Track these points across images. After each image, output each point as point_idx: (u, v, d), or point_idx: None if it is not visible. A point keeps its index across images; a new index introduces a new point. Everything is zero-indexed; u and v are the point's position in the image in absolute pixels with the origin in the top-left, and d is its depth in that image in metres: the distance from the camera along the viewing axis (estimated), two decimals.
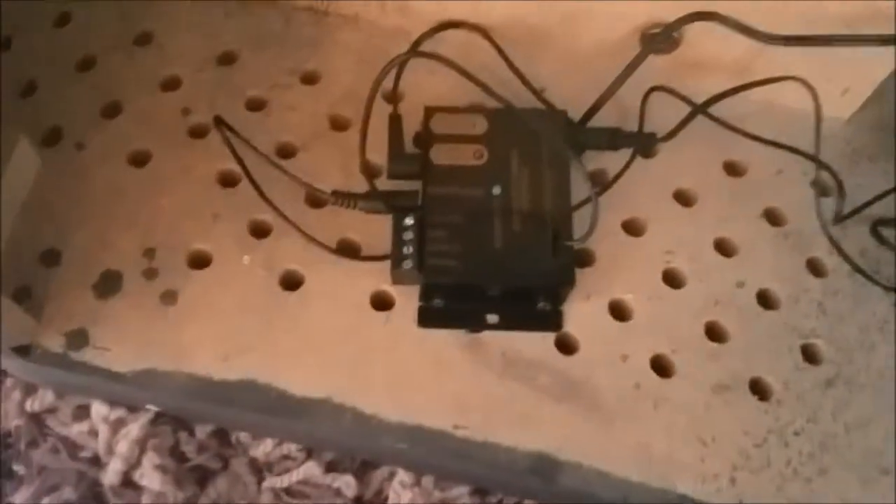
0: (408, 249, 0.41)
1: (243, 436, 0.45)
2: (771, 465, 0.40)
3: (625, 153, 0.46)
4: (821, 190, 0.46)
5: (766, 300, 0.44)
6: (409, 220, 0.42)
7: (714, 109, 0.46)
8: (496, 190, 0.42)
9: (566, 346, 0.42)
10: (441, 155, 0.43)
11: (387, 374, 0.41)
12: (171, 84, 0.48)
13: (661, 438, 0.40)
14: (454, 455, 0.40)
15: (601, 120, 0.46)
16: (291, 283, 0.43)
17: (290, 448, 0.45)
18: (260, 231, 0.44)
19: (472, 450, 0.40)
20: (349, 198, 0.43)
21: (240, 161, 0.43)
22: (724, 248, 0.45)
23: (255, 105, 0.48)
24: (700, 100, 0.46)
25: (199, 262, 0.43)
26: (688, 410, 0.41)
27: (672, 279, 0.44)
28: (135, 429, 0.44)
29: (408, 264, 0.41)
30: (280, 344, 0.41)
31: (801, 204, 0.46)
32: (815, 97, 0.44)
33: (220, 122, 0.43)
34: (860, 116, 0.49)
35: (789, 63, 0.46)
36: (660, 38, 0.44)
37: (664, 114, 0.46)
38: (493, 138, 0.43)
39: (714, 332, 0.43)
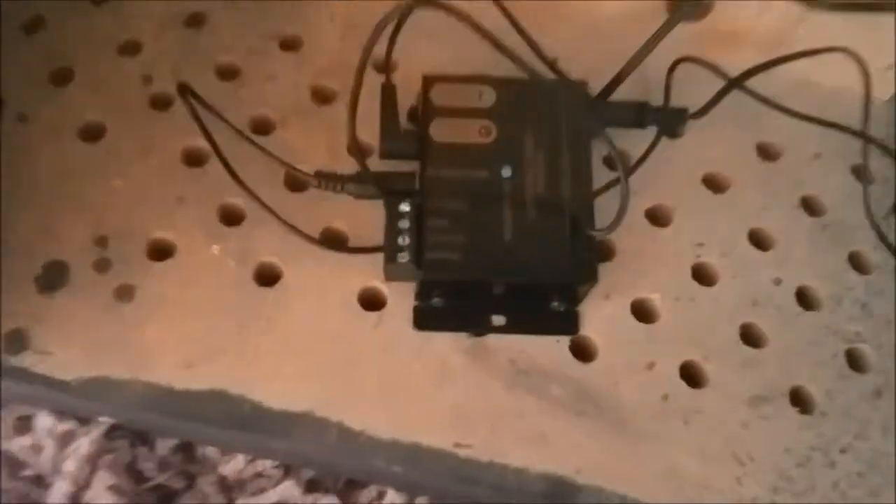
0: (403, 240, 0.36)
1: (211, 451, 0.40)
2: (816, 487, 0.36)
3: (646, 134, 0.41)
4: (866, 177, 0.42)
5: (805, 299, 0.40)
6: (404, 207, 0.36)
7: (747, 87, 0.41)
8: (506, 172, 0.37)
9: (583, 353, 0.38)
10: (442, 131, 0.38)
11: (378, 384, 0.37)
12: (131, 48, 0.43)
13: (693, 458, 0.36)
14: (456, 478, 0.35)
15: (621, 95, 0.41)
16: (268, 277, 0.38)
17: (265, 465, 0.40)
18: (231, 217, 0.39)
19: (476, 472, 0.35)
20: (335, 179, 0.38)
21: (208, 136, 0.38)
22: (759, 240, 0.41)
23: (227, 73, 0.43)
24: (730, 74, 0.41)
25: (160, 252, 0.38)
26: (722, 426, 0.37)
27: (702, 276, 0.40)
28: (85, 443, 0.39)
29: (404, 257, 0.36)
30: (254, 348, 0.37)
31: (841, 191, 0.42)
32: (865, 69, 0.40)
33: (185, 90, 0.37)
34: None
35: (828, 35, 0.41)
36: (691, 5, 0.39)
37: (693, 89, 0.42)
38: (503, 112, 0.38)
39: (750, 336, 0.39)
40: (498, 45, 0.32)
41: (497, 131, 0.38)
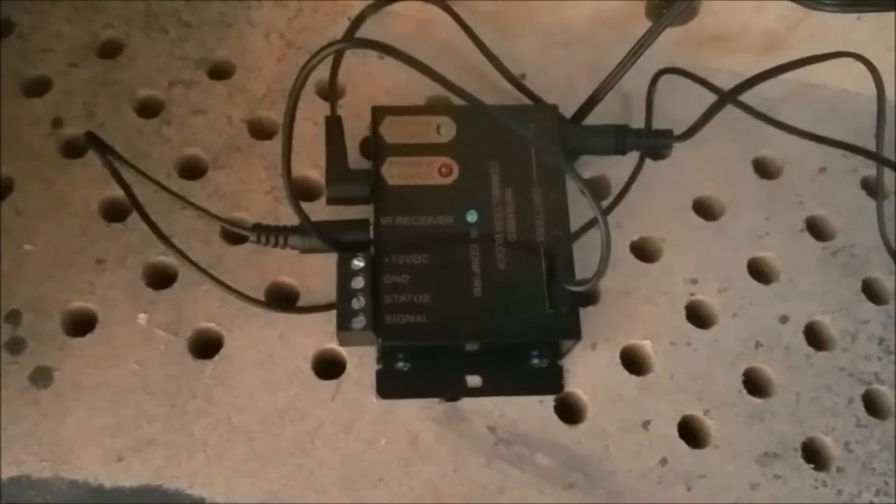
0: (358, 302, 0.31)
1: None
2: None
3: (631, 155, 0.36)
4: (880, 189, 0.38)
5: (816, 338, 0.37)
6: (358, 262, 0.32)
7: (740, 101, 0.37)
8: (471, 216, 0.33)
9: (570, 413, 0.34)
10: (396, 172, 0.33)
11: (339, 467, 0.33)
12: (38, 86, 0.38)
13: None
14: None
15: (597, 111, 0.37)
16: (205, 347, 0.34)
17: None
18: (160, 279, 0.35)
19: None
20: (276, 232, 0.34)
21: (126, 188, 0.33)
22: (760, 272, 0.37)
23: (149, 109, 0.38)
24: (721, 83, 0.37)
25: (80, 325, 0.34)
26: (730, 490, 0.33)
27: (698, 316, 0.36)
28: None
29: (359, 323, 0.31)
30: (193, 433, 0.33)
31: (850, 210, 0.39)
32: (877, 75, 0.35)
33: (93, 139, 0.32)
34: None
35: (830, 36, 0.37)
36: (677, 9, 0.34)
37: (678, 102, 0.38)
38: (464, 147, 0.34)
39: (755, 384, 0.35)
40: (447, 84, 0.27)
41: (459, 169, 0.33)
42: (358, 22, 0.38)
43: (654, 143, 0.35)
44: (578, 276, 0.33)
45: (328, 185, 0.33)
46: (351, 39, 0.31)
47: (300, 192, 0.34)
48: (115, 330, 0.34)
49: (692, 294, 0.36)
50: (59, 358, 0.33)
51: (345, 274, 0.32)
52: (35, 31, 0.39)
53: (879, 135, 0.36)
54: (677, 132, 0.36)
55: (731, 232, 0.37)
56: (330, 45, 0.28)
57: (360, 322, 0.31)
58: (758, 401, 0.34)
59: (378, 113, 0.34)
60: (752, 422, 0.34)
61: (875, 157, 0.36)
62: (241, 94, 0.38)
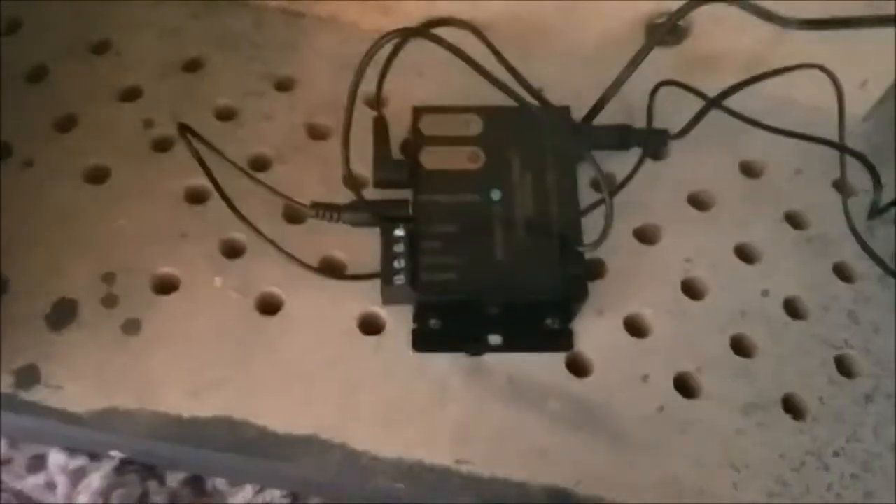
0: (399, 264, 0.37)
1: (220, 482, 0.40)
2: (811, 490, 0.36)
3: (632, 157, 0.42)
4: (845, 189, 0.43)
5: (793, 310, 0.41)
6: (399, 232, 0.38)
7: (726, 106, 0.43)
8: (495, 195, 0.38)
9: (579, 368, 0.39)
10: (432, 159, 0.39)
11: (379, 405, 0.37)
12: (132, 94, 0.44)
13: (690, 467, 0.36)
14: (458, 493, 0.36)
15: (604, 120, 0.42)
16: (269, 307, 0.39)
17: (274, 494, 0.40)
18: (233, 251, 0.40)
19: (478, 486, 0.36)
20: (331, 209, 0.39)
21: (209, 173, 0.39)
22: (745, 254, 0.42)
23: (225, 114, 0.44)
24: (710, 95, 0.42)
25: (165, 286, 0.39)
26: (717, 434, 0.37)
27: (692, 290, 0.41)
28: (96, 479, 0.40)
29: (399, 279, 0.37)
30: (258, 375, 0.37)
31: (823, 205, 0.43)
32: (837, 85, 0.41)
33: (185, 129, 0.38)
34: (878, 112, 0.46)
35: (804, 54, 0.42)
36: (665, 27, 0.40)
37: (674, 112, 0.43)
38: (490, 139, 0.40)
39: (741, 347, 0.39)
40: (488, 76, 0.34)
41: (485, 157, 0.39)
42: (402, 42, 0.44)
43: (652, 139, 0.41)
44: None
45: (375, 170, 0.39)
46: (408, 30, 0.36)
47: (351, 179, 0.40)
48: (195, 290, 0.39)
49: (687, 271, 0.40)
50: (147, 312, 0.38)
51: (388, 241, 0.37)
52: (128, 48, 0.45)
53: (841, 127, 0.42)
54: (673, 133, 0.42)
55: (721, 221, 0.42)
56: (394, 31, 0.34)
57: (400, 279, 0.37)
58: (743, 360, 0.38)
59: (417, 111, 0.40)
60: (738, 378, 0.38)
61: (837, 146, 0.41)
62: (301, 103, 0.44)
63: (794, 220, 0.43)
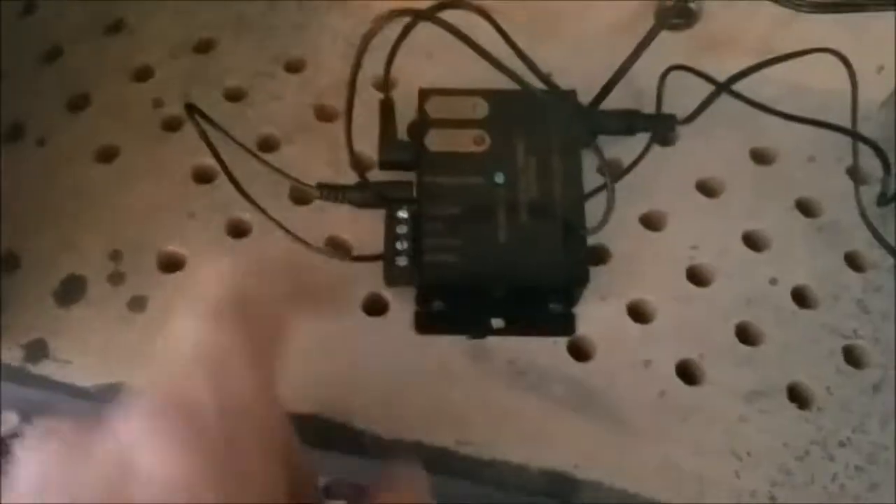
0: (402, 245, 0.37)
1: None
2: (815, 480, 0.36)
3: (639, 142, 0.42)
4: (859, 176, 0.42)
5: (802, 298, 0.40)
6: (402, 213, 0.38)
7: (736, 91, 0.42)
8: (499, 178, 0.38)
9: (581, 353, 0.38)
10: (437, 141, 0.39)
11: (382, 386, 0.37)
12: (143, 74, 0.45)
13: (691, 453, 0.36)
14: (458, 474, 0.36)
15: (613, 105, 0.42)
16: None
17: None
18: (239, 231, 0.41)
19: (478, 468, 0.36)
20: (337, 190, 0.39)
21: (216, 153, 0.39)
22: (753, 242, 0.41)
23: (235, 95, 0.44)
24: (720, 80, 0.42)
25: (171, 265, 0.40)
26: (720, 421, 0.37)
27: (698, 277, 0.40)
28: None
29: (403, 260, 0.37)
30: None
31: (836, 193, 0.42)
32: (851, 70, 0.40)
33: (193, 109, 0.39)
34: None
35: (818, 39, 0.42)
36: (675, 10, 0.40)
37: (684, 97, 0.42)
38: (495, 122, 0.39)
39: (746, 335, 0.39)
40: (492, 60, 0.34)
41: (490, 140, 0.39)
42: (411, 24, 0.44)
43: (659, 124, 0.41)
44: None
45: (381, 150, 0.39)
46: (420, 11, 0.36)
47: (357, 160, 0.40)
48: (201, 269, 0.39)
49: (692, 258, 0.40)
50: (153, 289, 0.38)
51: (392, 222, 0.38)
52: (142, 28, 0.46)
53: (854, 117, 0.41)
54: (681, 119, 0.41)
55: (729, 208, 0.41)
56: (397, 11, 0.34)
57: (403, 260, 0.37)
58: (748, 348, 0.38)
59: (423, 93, 0.40)
60: (742, 366, 0.38)
61: (850, 132, 0.40)
62: (310, 85, 0.44)
63: (806, 208, 0.42)
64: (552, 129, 0.39)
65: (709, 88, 0.42)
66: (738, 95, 0.41)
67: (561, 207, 0.38)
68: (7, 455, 0.41)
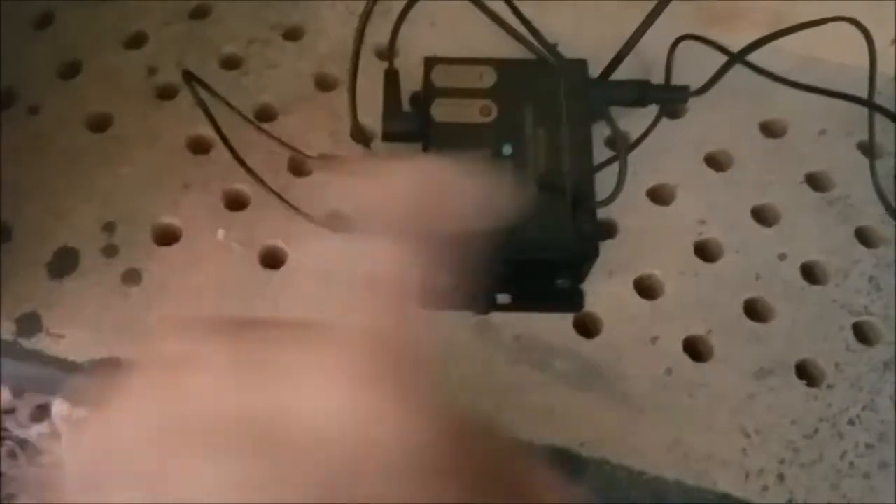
0: None
1: None
2: (823, 458, 0.36)
3: (648, 115, 0.41)
4: (872, 149, 0.41)
5: (811, 274, 0.40)
6: None
7: (749, 62, 0.41)
8: (507, 150, 0.37)
9: (587, 329, 0.38)
10: (443, 111, 0.38)
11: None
12: (136, 41, 0.43)
13: (698, 431, 0.36)
14: None
15: (623, 76, 0.41)
16: (273, 260, 0.38)
17: None
18: (236, 202, 0.39)
19: None
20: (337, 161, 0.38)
21: (213, 122, 0.38)
22: (763, 216, 0.41)
23: (231, 63, 0.43)
24: (732, 51, 0.41)
25: (166, 237, 0.39)
26: (727, 398, 0.36)
27: (706, 252, 0.40)
28: None
29: None
30: None
31: (847, 167, 0.42)
32: (870, 39, 0.39)
33: (190, 77, 0.38)
34: None
35: (832, 10, 0.41)
36: None
37: (694, 68, 0.42)
38: (503, 92, 0.38)
39: (755, 311, 0.39)
40: (505, 27, 0.33)
41: (497, 110, 0.38)
42: None
43: (671, 95, 0.40)
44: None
45: (385, 121, 0.38)
46: None
47: (359, 131, 0.39)
48: (197, 242, 0.38)
49: (700, 233, 0.39)
50: (148, 262, 0.37)
51: None
52: None
53: (872, 84, 0.40)
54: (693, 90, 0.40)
55: (738, 182, 0.41)
56: None
57: None
58: (757, 325, 0.38)
59: (430, 62, 0.39)
60: (751, 342, 0.37)
61: (866, 103, 0.39)
62: (309, 52, 0.43)
63: (816, 182, 0.42)
64: (561, 99, 0.38)
65: (717, 61, 0.41)
66: (752, 66, 0.40)
67: (570, 180, 0.37)
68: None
